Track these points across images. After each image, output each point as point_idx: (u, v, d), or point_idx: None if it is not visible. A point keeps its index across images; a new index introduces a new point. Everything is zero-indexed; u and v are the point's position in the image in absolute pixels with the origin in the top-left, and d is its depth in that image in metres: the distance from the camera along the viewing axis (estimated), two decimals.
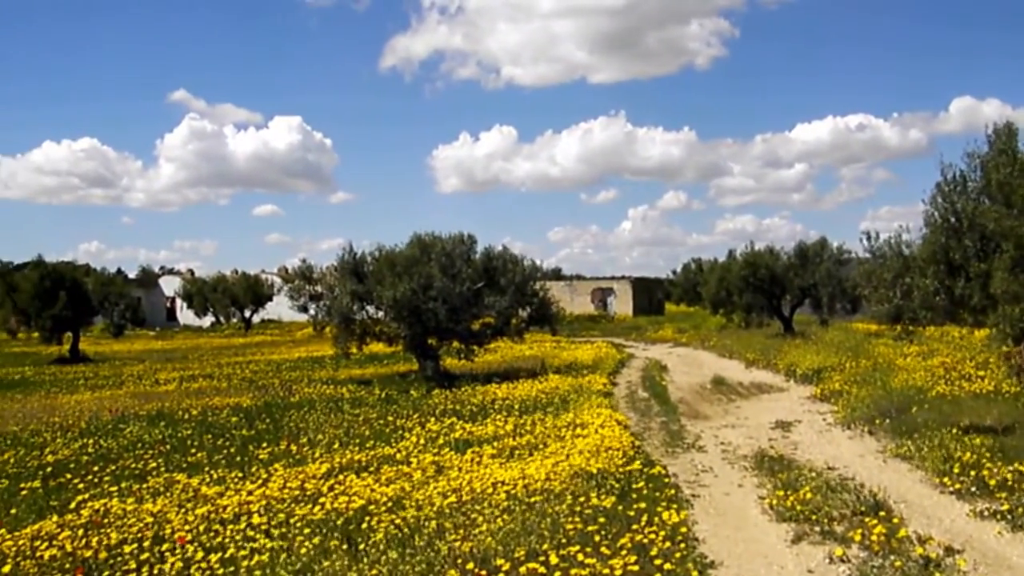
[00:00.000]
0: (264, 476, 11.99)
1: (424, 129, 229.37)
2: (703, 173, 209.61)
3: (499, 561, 7.75)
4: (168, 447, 15.59)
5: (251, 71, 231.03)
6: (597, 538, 8.40)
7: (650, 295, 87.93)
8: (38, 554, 8.61)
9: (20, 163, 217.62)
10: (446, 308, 26.24)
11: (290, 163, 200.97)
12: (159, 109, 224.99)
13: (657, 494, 10.51)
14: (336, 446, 14.93)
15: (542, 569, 7.52)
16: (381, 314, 28.14)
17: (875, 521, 9.23)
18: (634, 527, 8.78)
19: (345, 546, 8.40)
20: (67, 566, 8.29)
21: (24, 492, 12.25)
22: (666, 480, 11.70)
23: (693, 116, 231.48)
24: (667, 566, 7.68)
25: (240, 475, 12.37)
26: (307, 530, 8.89)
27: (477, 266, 27.58)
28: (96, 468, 13.53)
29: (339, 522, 9.27)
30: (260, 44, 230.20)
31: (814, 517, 9.78)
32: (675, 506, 9.91)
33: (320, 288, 29.35)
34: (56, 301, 43.48)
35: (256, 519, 9.36)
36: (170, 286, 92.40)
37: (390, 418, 18.08)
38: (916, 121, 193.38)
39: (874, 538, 8.67)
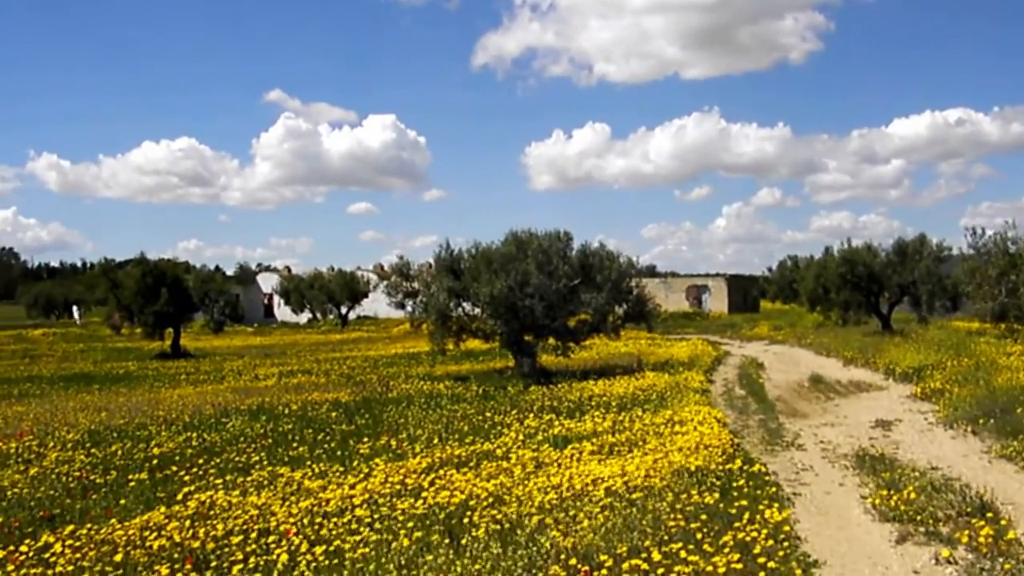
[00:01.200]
0: (365, 470, 12.12)
1: (516, 126, 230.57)
2: (798, 169, 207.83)
3: (602, 557, 7.75)
4: (270, 441, 15.83)
5: (345, 70, 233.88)
6: (699, 536, 8.37)
7: (745, 292, 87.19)
8: (147, 544, 8.78)
9: (121, 163, 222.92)
10: (543, 305, 26.29)
11: (384, 161, 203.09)
12: (255, 109, 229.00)
13: (758, 492, 10.43)
14: (435, 441, 15.05)
15: (645, 566, 7.51)
16: (477, 311, 28.24)
17: (982, 522, 9.06)
18: (736, 525, 8.72)
19: (447, 540, 8.47)
20: (176, 556, 8.44)
21: (132, 483, 12.54)
22: (767, 478, 11.62)
23: (787, 112, 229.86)
24: (771, 564, 7.62)
25: (341, 469, 12.53)
26: (409, 524, 8.97)
27: (573, 263, 27.55)
28: (201, 461, 13.79)
29: (441, 516, 9.35)
30: (354, 43, 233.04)
31: (918, 517, 9.64)
32: (776, 504, 9.82)
33: (417, 285, 29.55)
34: (158, 298, 44.34)
35: (359, 512, 9.47)
36: (267, 283, 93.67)
37: (488, 414, 18.17)
38: (1018, 115, 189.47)
39: (981, 540, 8.52)
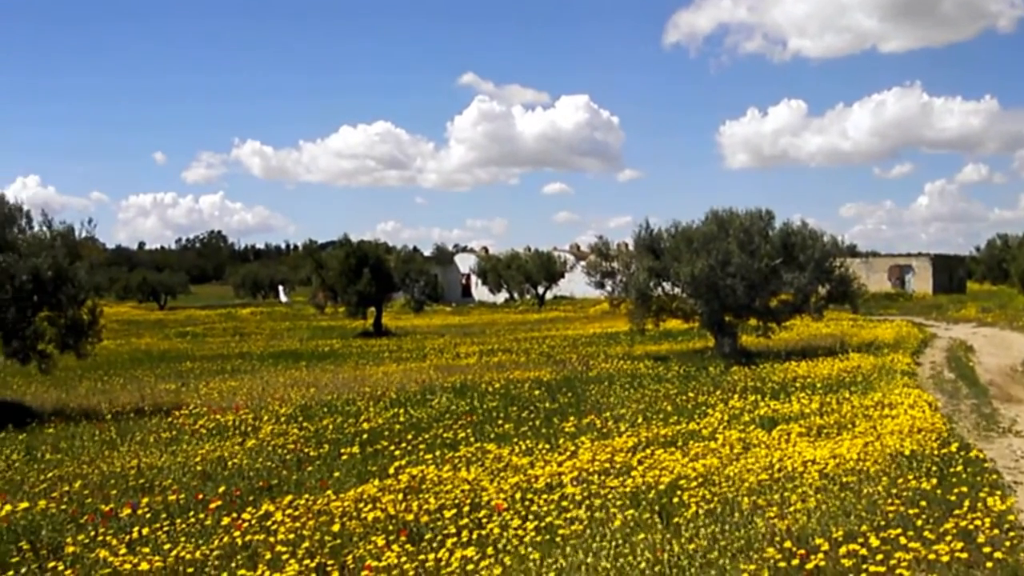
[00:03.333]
0: (572, 448, 12.17)
1: (710, 104, 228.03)
2: (1006, 144, 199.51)
3: (817, 541, 7.60)
4: (475, 418, 16.06)
5: (537, 52, 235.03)
6: (919, 522, 8.13)
7: (951, 272, 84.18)
8: (362, 515, 9.00)
9: (320, 148, 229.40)
10: (744, 285, 25.96)
11: (578, 141, 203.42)
12: (449, 92, 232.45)
13: (978, 479, 10.06)
14: (639, 420, 15.01)
15: (863, 551, 7.33)
16: (677, 290, 28.07)
17: None
18: (956, 512, 8.43)
19: (656, 519, 8.45)
20: (390, 528, 8.63)
21: (344, 457, 12.90)
22: (986, 465, 11.21)
23: (995, 83, 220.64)
24: (997, 555, 7.34)
25: (547, 447, 12.59)
26: (619, 502, 8.97)
27: (775, 242, 27.11)
28: (409, 436, 14.08)
29: (650, 495, 9.32)
30: (545, 25, 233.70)
31: None
32: (999, 492, 9.47)
33: (616, 265, 29.49)
34: (361, 278, 45.40)
35: (569, 490, 9.52)
36: (465, 263, 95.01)
37: (691, 394, 18.03)
38: None
39: None
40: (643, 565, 7.11)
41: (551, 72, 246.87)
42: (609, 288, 29.69)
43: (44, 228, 21.07)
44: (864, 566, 7.06)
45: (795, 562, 7.16)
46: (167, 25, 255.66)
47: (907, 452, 11.01)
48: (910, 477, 9.74)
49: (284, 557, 7.71)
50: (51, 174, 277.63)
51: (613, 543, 7.55)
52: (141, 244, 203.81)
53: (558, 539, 7.98)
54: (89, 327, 21.49)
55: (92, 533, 9.02)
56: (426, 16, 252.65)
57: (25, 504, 10.20)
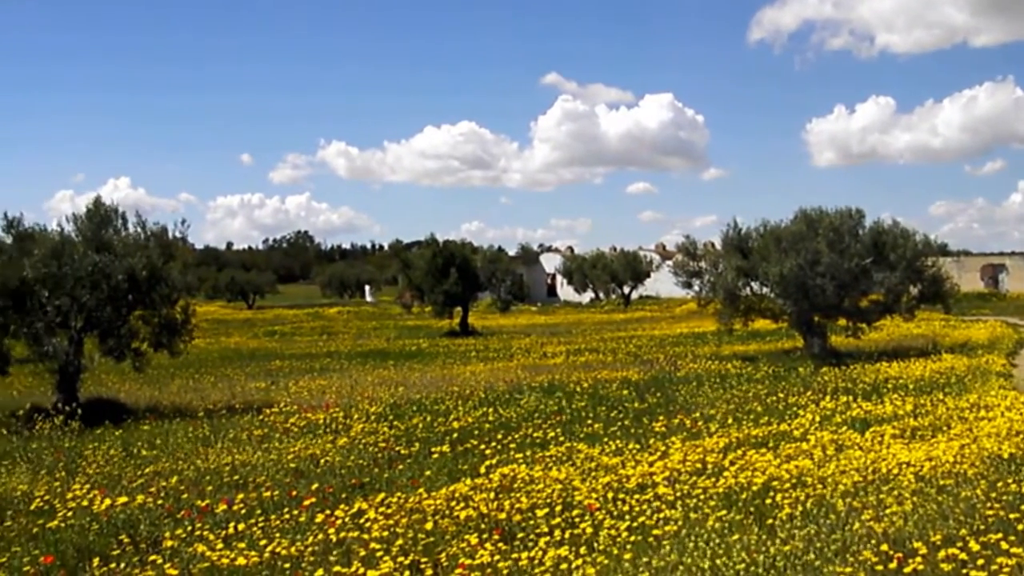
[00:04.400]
0: (662, 448, 12.12)
1: (796, 102, 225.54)
2: None
3: (915, 544, 7.49)
4: (564, 417, 16.07)
5: (621, 51, 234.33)
6: (1020, 527, 7.96)
7: None
8: (455, 514, 9.05)
9: (405, 148, 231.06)
10: (834, 284, 25.72)
11: (662, 140, 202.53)
12: (532, 92, 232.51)
13: None
14: (730, 421, 14.92)
15: (962, 555, 7.20)
16: (766, 290, 27.86)
17: None
18: None
19: (750, 520, 8.38)
20: (482, 526, 8.66)
21: (435, 455, 12.98)
22: None
23: None
24: None
25: (637, 447, 12.56)
26: (712, 503, 8.92)
27: (865, 241, 26.81)
28: (499, 435, 14.12)
29: (743, 497, 9.26)
30: (628, 23, 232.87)
31: None
32: None
33: (703, 264, 29.35)
34: (447, 277, 45.63)
35: (661, 490, 9.48)
36: (550, 263, 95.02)
37: (780, 395, 17.86)
38: None
39: None
40: (740, 567, 7.06)
41: (635, 71, 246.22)
42: (696, 288, 29.57)
43: (138, 229, 21.49)
44: (964, 571, 6.93)
45: (892, 565, 7.05)
46: (253, 29, 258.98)
47: (1005, 455, 10.78)
48: (1009, 481, 9.55)
49: (378, 554, 7.76)
50: (141, 176, 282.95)
51: (708, 544, 7.51)
52: (229, 244, 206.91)
53: (651, 539, 7.95)
54: (182, 326, 21.92)
55: (189, 528, 9.19)
56: (509, 16, 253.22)
57: (124, 499, 10.40)
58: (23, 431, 17.27)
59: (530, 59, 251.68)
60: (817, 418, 14.67)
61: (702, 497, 9.16)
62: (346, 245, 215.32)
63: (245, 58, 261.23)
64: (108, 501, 10.25)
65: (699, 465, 10.84)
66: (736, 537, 7.74)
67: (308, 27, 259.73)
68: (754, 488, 9.50)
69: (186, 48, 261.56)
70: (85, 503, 10.39)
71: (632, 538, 7.92)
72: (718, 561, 7.14)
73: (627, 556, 7.42)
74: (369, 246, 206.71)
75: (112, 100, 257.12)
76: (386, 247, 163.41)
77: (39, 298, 19.55)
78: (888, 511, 8.40)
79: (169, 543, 8.61)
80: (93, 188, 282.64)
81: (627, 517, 8.55)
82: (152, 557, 8.25)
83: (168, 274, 20.90)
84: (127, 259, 20.16)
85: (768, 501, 8.97)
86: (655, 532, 8.05)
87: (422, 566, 7.59)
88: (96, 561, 8.33)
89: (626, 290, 76.58)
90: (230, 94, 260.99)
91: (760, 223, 28.49)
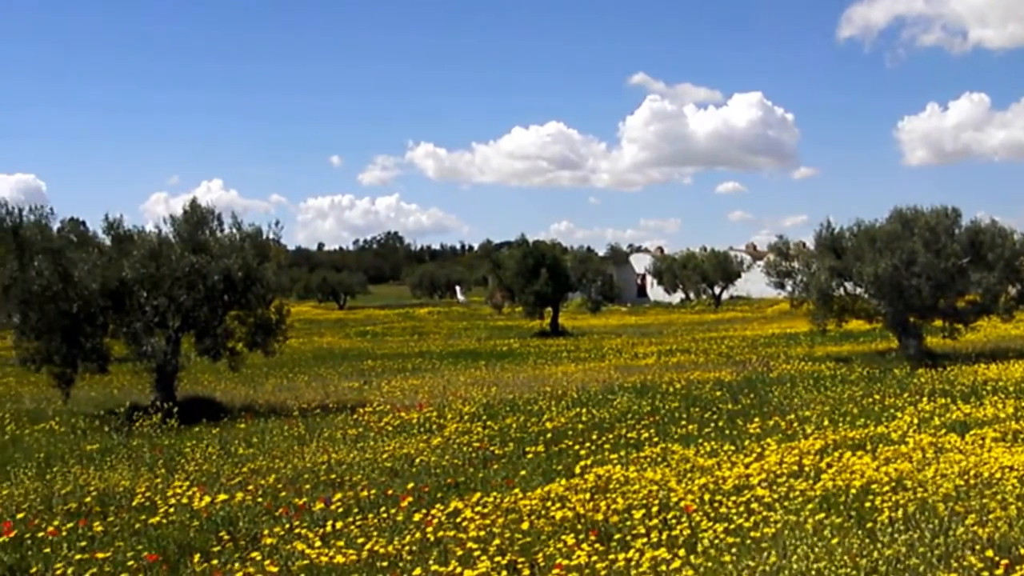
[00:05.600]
0: (757, 450, 12.02)
1: (887, 100, 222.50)
2: None
3: (1022, 550, 7.36)
4: (658, 418, 16.01)
5: (708, 50, 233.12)
6: None
7: None
8: (550, 514, 9.06)
9: (493, 149, 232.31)
10: (929, 285, 25.30)
11: (751, 139, 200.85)
12: (620, 92, 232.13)
13: None
14: (825, 423, 14.73)
15: None
16: (860, 291, 27.53)
17: None
18: None
19: (850, 524, 8.28)
20: (578, 527, 8.67)
21: (529, 456, 13.01)
22: None
23: None
24: None
25: (732, 448, 12.46)
26: (810, 506, 8.83)
27: (962, 241, 26.35)
28: (593, 436, 14.10)
29: (841, 500, 9.15)
30: (716, 22, 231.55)
31: None
32: None
33: (796, 264, 29.08)
34: (538, 278, 45.68)
35: (758, 492, 9.41)
36: (640, 263, 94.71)
37: (876, 396, 17.60)
38: None
39: None
40: (842, 571, 6.98)
41: (723, 70, 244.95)
42: (789, 288, 29.29)
43: (234, 230, 21.83)
44: None
45: (998, 572, 6.93)
46: (342, 31, 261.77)
47: None
48: None
49: (475, 554, 7.80)
50: (233, 178, 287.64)
51: (807, 547, 7.43)
52: (320, 245, 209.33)
53: (748, 541, 7.90)
54: (276, 326, 22.21)
55: (287, 526, 9.30)
56: (596, 17, 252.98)
57: (224, 496, 10.58)
58: (123, 428, 17.64)
59: (617, 59, 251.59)
60: (915, 420, 14.41)
61: (800, 500, 9.06)
62: (435, 246, 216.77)
63: (335, 60, 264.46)
64: (208, 498, 10.43)
65: (795, 467, 10.72)
66: (836, 540, 7.66)
67: (396, 29, 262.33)
68: (852, 491, 9.39)
69: (277, 50, 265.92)
70: (185, 500, 10.60)
71: (729, 540, 7.86)
72: (820, 564, 7.07)
73: (726, 559, 7.38)
74: (458, 247, 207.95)
75: (206, 102, 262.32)
76: (475, 248, 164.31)
77: (138, 298, 19.93)
78: (992, 516, 8.25)
79: (268, 540, 8.73)
80: (187, 190, 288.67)
81: (724, 519, 8.50)
82: (252, 554, 8.38)
83: (263, 275, 21.18)
84: (223, 260, 20.49)
85: (867, 504, 8.85)
86: (753, 535, 7.99)
87: (519, 566, 7.63)
88: (197, 557, 8.50)
89: (717, 290, 76.08)
90: (320, 96, 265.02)
91: (854, 223, 28.16)
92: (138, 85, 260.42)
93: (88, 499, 11.16)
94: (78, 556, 8.50)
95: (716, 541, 7.84)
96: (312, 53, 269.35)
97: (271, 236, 22.26)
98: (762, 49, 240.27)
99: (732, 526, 8.27)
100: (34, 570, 8.39)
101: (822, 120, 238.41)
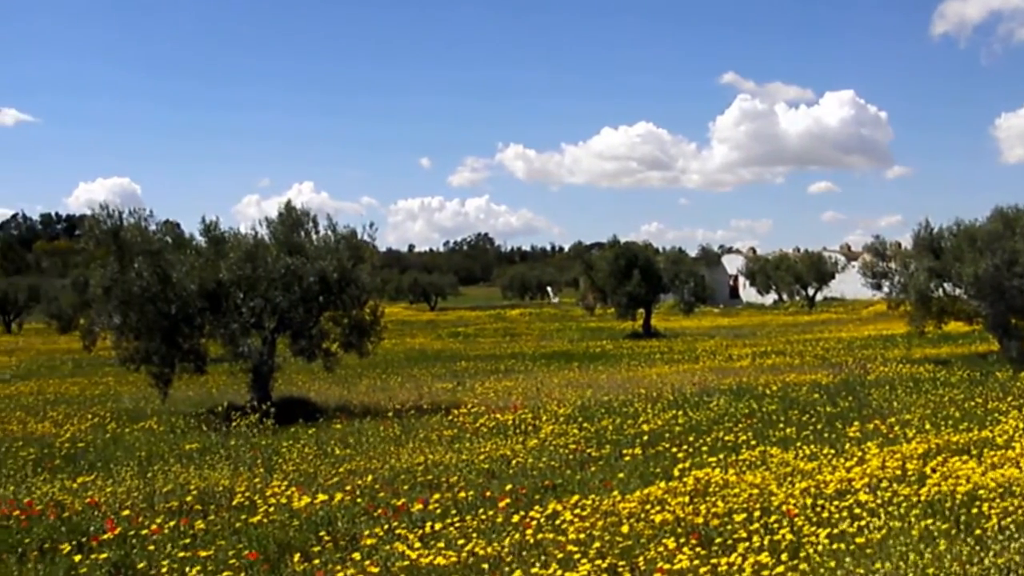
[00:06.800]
0: (858, 454, 11.82)
1: (983, 97, 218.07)
2: None
3: None
4: (755, 421, 15.84)
5: (799, 48, 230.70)
6: None
7: None
8: (650, 517, 8.99)
9: (582, 150, 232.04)
10: None
11: (844, 138, 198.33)
12: (710, 92, 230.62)
13: None
14: (927, 427, 14.44)
15: None
16: (959, 291, 27.05)
17: None
18: None
19: (957, 530, 8.11)
20: (679, 530, 8.58)
21: (627, 458, 12.95)
22: None
23: None
24: None
25: (832, 452, 12.29)
26: (915, 511, 8.65)
27: None
28: (690, 438, 13.97)
29: (947, 505, 8.96)
30: (806, 20, 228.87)
31: None
32: None
33: (893, 265, 28.65)
34: (631, 279, 45.55)
35: (862, 497, 9.25)
36: (732, 264, 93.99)
37: (978, 400, 17.24)
38: None
39: None
40: None
41: (814, 68, 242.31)
42: (886, 289, 28.87)
43: (329, 232, 22.03)
44: None
45: None
46: (429, 34, 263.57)
47: None
48: None
49: (575, 556, 7.78)
50: (324, 180, 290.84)
51: (915, 554, 7.29)
52: (410, 246, 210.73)
53: (853, 547, 7.76)
54: (371, 327, 22.36)
55: (386, 526, 9.34)
56: (686, 16, 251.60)
57: (322, 497, 10.66)
58: (221, 428, 17.89)
59: (707, 59, 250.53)
60: (1020, 425, 14.10)
61: (904, 505, 8.89)
62: (525, 247, 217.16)
63: (423, 63, 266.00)
64: (306, 498, 10.53)
65: (899, 472, 10.52)
66: (944, 547, 7.51)
67: (486, 31, 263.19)
68: (958, 497, 9.19)
69: (366, 52, 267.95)
70: (284, 500, 10.71)
71: (834, 546, 7.74)
72: (929, 571, 6.93)
73: (831, 564, 7.27)
74: (548, 248, 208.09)
75: (298, 105, 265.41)
76: (566, 249, 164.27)
77: (234, 300, 20.18)
78: None
79: (368, 541, 8.76)
80: (278, 193, 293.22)
81: (827, 524, 8.36)
82: (352, 555, 8.43)
83: (358, 276, 21.35)
84: (318, 261, 20.70)
85: (974, 511, 8.66)
86: (858, 540, 7.85)
87: (619, 570, 7.57)
88: (297, 557, 8.57)
89: (810, 291, 75.15)
90: (410, 98, 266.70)
91: (953, 222, 27.69)
92: (231, 88, 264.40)
93: (189, 498, 11.30)
94: (181, 554, 8.64)
95: (819, 547, 7.72)
96: (401, 55, 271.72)
97: (366, 238, 22.42)
98: (854, 46, 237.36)
99: (836, 531, 8.13)
100: (140, 567, 8.52)
101: (916, 118, 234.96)
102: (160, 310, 19.71)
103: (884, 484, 9.85)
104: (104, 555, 8.74)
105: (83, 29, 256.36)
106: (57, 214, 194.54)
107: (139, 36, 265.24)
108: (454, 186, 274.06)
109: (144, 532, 9.51)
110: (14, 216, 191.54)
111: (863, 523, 8.31)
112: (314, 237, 21.97)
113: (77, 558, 8.69)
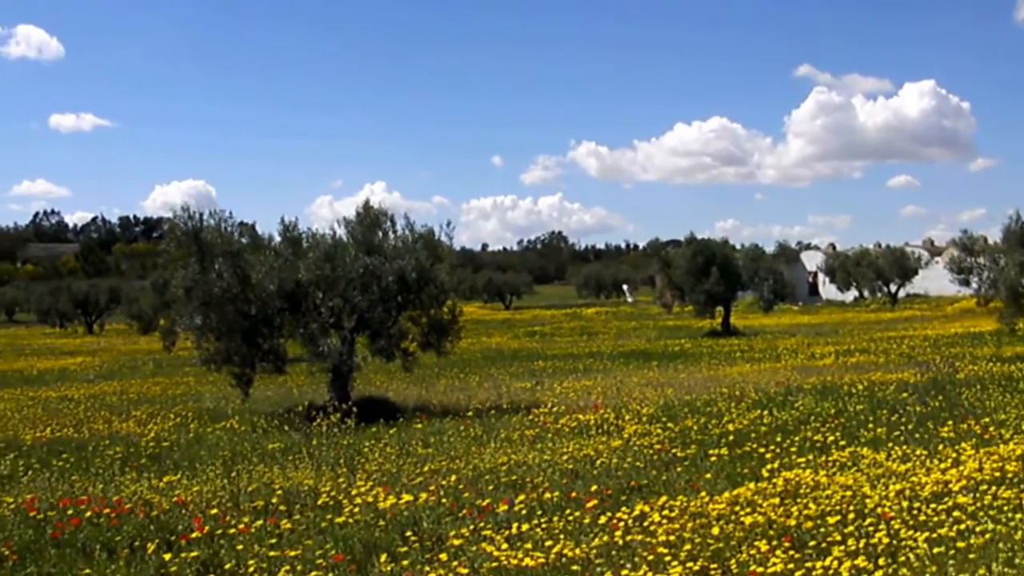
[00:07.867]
0: (953, 456, 11.48)
1: None
2: None
3: None
4: (843, 421, 15.50)
5: (876, 38, 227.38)
6: None
7: None
8: (740, 519, 8.77)
9: (655, 147, 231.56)
10: None
11: (924, 131, 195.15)
12: (785, 85, 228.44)
13: None
14: (1023, 427, 14.05)
15: None
16: None
17: None
18: None
19: None
20: (770, 532, 8.37)
21: (713, 458, 12.71)
22: None
23: None
24: None
25: (925, 453, 11.96)
26: (1019, 515, 8.34)
27: None
28: (778, 438, 13.69)
29: None
30: (883, 9, 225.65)
31: None
32: None
33: (982, 260, 28.07)
34: (709, 276, 45.16)
35: (960, 499, 8.95)
36: (811, 261, 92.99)
37: None
38: None
39: None
40: None
41: (892, 58, 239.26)
42: (975, 285, 28.30)
43: (406, 231, 22.01)
44: None
45: None
46: (500, 33, 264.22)
47: None
48: None
49: (666, 559, 7.60)
50: (396, 180, 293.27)
51: (1021, 558, 7.00)
52: (484, 246, 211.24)
53: (953, 552, 7.49)
54: (450, 326, 22.33)
55: (472, 527, 9.23)
56: (759, 8, 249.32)
57: (407, 497, 10.58)
58: (303, 427, 17.93)
59: (782, 51, 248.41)
60: None
61: (1006, 508, 8.58)
62: (600, 245, 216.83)
63: (494, 61, 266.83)
64: (391, 498, 10.45)
65: (997, 474, 10.19)
66: None
67: (556, 29, 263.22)
68: None
69: (437, 53, 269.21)
70: (369, 499, 10.64)
71: (933, 550, 7.47)
72: None
73: (932, 569, 7.02)
74: (623, 245, 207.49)
75: (370, 105, 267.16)
76: (641, 247, 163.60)
77: (313, 300, 20.25)
78: None
79: (454, 542, 8.66)
80: (351, 193, 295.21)
81: (924, 528, 8.09)
82: (439, 555, 8.33)
83: (436, 275, 21.31)
84: (397, 261, 20.70)
85: None
86: (959, 544, 7.58)
87: (711, 573, 7.38)
88: (384, 557, 8.48)
89: (893, 288, 73.98)
90: (480, 98, 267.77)
91: None
92: (304, 91, 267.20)
93: (274, 498, 11.27)
94: (271, 553, 8.59)
95: (917, 551, 7.46)
96: (472, 55, 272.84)
97: (443, 237, 22.37)
98: (933, 35, 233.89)
99: (935, 535, 7.86)
100: (228, 566, 8.49)
101: (1000, 108, 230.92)
102: (240, 311, 19.83)
103: (983, 487, 9.53)
104: (193, 553, 8.75)
105: (160, 33, 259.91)
106: (135, 216, 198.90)
107: (213, 39, 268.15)
108: (527, 184, 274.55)
109: (231, 531, 9.50)
110: (93, 219, 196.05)
111: (963, 527, 8.02)
112: (391, 237, 21.98)
113: (167, 556, 8.70)
